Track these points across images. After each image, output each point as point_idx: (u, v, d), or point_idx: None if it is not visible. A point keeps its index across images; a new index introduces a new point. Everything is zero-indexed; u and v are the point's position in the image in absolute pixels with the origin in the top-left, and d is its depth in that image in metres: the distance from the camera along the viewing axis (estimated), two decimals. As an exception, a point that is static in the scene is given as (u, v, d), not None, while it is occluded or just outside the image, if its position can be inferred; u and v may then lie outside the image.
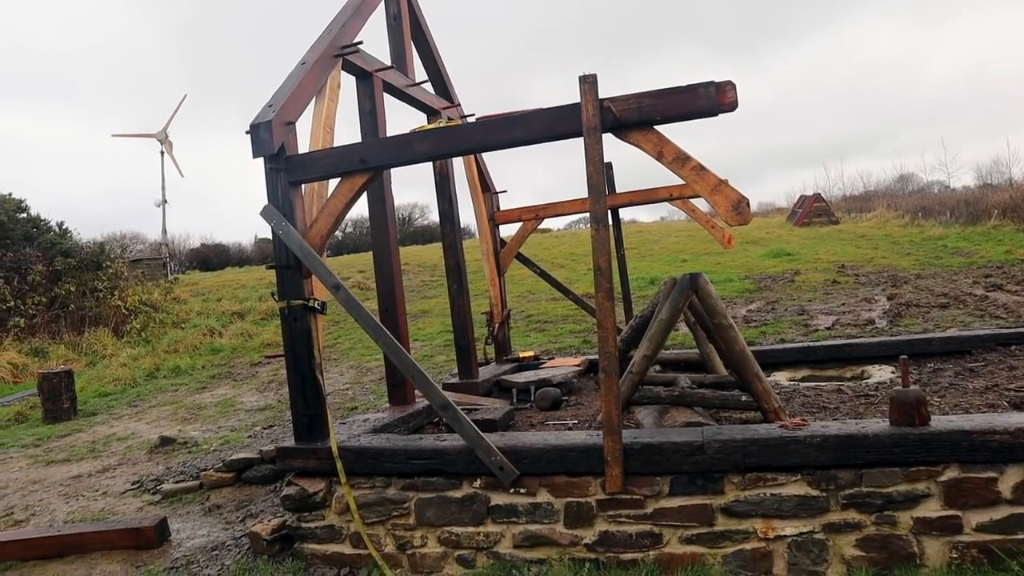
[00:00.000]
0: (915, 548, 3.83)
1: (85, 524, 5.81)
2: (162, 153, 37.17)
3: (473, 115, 7.87)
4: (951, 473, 3.79)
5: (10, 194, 19.74)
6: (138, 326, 17.67)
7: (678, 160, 4.00)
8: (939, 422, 3.93)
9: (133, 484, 6.99)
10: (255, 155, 4.84)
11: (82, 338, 16.71)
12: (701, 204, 9.15)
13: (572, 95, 4.12)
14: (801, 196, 35.05)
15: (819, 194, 33.74)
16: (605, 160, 4.18)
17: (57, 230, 19.83)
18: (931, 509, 3.81)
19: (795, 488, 3.97)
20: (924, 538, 3.82)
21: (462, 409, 4.69)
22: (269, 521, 5.12)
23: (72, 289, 17.89)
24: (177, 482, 6.76)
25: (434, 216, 46.37)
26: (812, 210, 31.02)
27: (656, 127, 4.06)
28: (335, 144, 5.36)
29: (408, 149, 4.60)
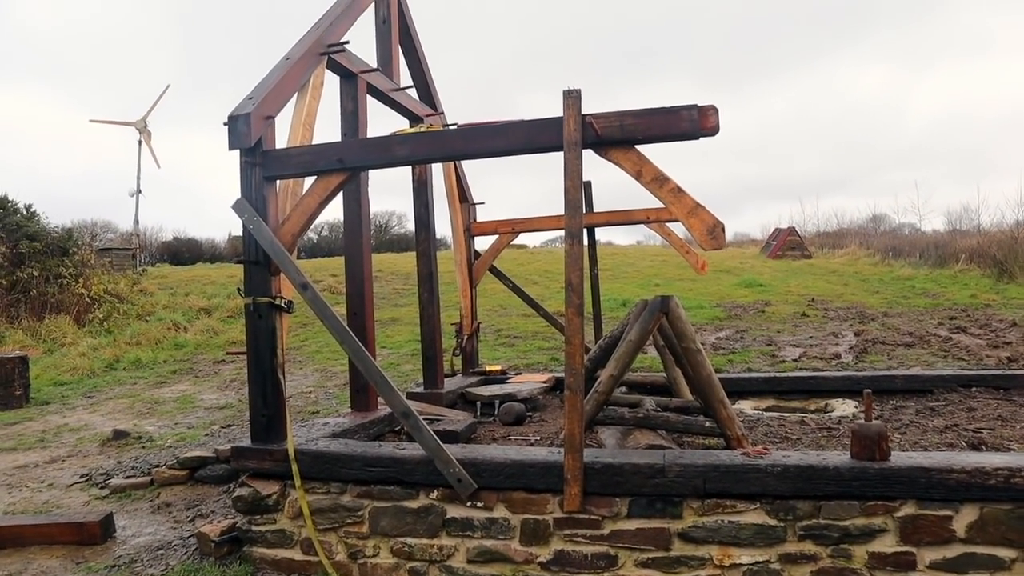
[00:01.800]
0: (869, 583, 3.82)
1: (26, 516, 5.62)
2: (140, 142, 36.60)
3: (455, 124, 7.84)
4: (908, 509, 3.80)
5: (-23, 173, 19.31)
6: (101, 316, 17.29)
7: (656, 181, 4.00)
8: (899, 458, 3.94)
9: (81, 477, 6.79)
10: (231, 147, 4.76)
11: (42, 324, 16.30)
12: (678, 228, 9.19)
13: (558, 112, 4.11)
14: (776, 229, 35.47)
15: (793, 228, 34.16)
16: (585, 179, 4.17)
17: (24, 212, 19.40)
18: (886, 544, 3.82)
19: (753, 516, 3.95)
20: (878, 573, 3.81)
21: (425, 419, 4.62)
22: (219, 522, 5.00)
23: (35, 274, 17.48)
24: (127, 477, 6.59)
25: (411, 225, 46.11)
26: (786, 243, 31.39)
27: (637, 146, 4.06)
28: (314, 142, 5.30)
29: (387, 151, 4.55)
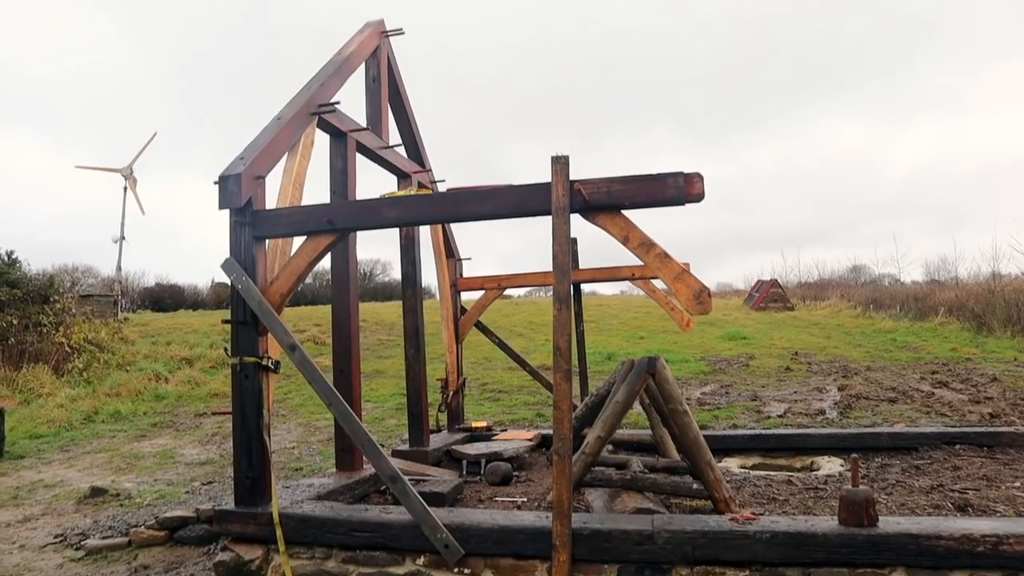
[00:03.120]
0: (860, 654, 3.78)
1: (-2, 579, 5.46)
2: (125, 189, 36.62)
3: (444, 180, 7.95)
4: (897, 577, 3.79)
5: (-41, 220, 19.19)
6: (80, 365, 17.04)
7: (643, 246, 4.06)
8: (887, 524, 3.94)
9: (56, 537, 6.61)
10: (221, 206, 4.79)
11: (19, 374, 16.02)
12: (662, 284, 9.27)
13: (544, 162, 4.17)
14: (759, 280, 35.87)
15: (776, 280, 34.58)
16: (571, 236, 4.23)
17: (6, 259, 19.24)
18: (877, 613, 3.79)
19: (743, 584, 3.92)
20: (869, 643, 3.78)
21: (410, 479, 4.57)
22: (198, 587, 4.87)
23: (14, 322, 17.24)
24: (104, 538, 6.41)
25: (395, 274, 46.17)
26: (769, 295, 31.71)
27: (624, 212, 4.13)
28: (303, 200, 5.34)
29: (377, 214, 4.59)
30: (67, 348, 17.55)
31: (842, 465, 6.96)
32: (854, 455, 4.25)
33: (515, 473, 6.85)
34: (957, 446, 7.28)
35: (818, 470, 7.02)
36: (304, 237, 4.82)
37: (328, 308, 6.45)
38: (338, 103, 5.93)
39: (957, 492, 5.71)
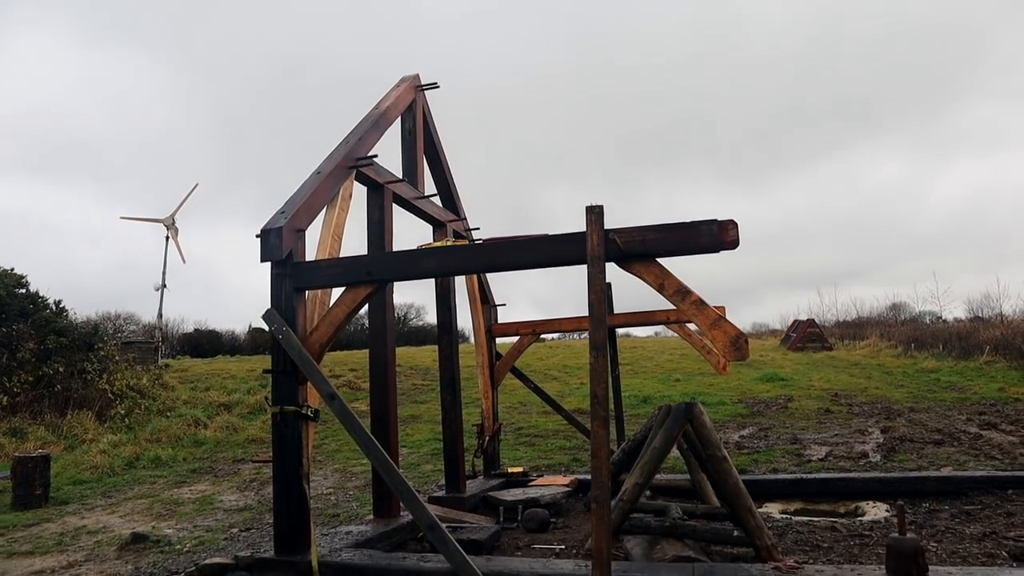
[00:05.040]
0: None
1: (44, 627, 5.52)
2: (167, 239, 37.61)
3: (478, 228, 8.07)
4: (950, 631, 3.67)
5: (12, 269, 19.82)
6: (123, 411, 17.36)
7: (679, 294, 4.08)
8: (937, 574, 3.84)
9: (99, 584, 6.69)
10: (263, 259, 4.92)
11: (64, 420, 16.36)
12: (696, 327, 9.24)
13: (578, 207, 4.25)
14: (795, 320, 35.39)
15: (813, 320, 34.10)
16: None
17: (54, 308, 19.79)
18: (929, 669, 3.67)
19: (789, 637, 3.83)
20: None
21: (447, 526, 4.57)
22: (238, 637, 4.89)
23: (60, 369, 17.67)
24: (145, 585, 6.48)
25: (430, 317, 46.44)
26: (806, 335, 31.25)
27: (658, 259, 4.17)
28: (341, 251, 5.47)
29: (415, 265, 4.69)
30: (110, 395, 17.91)
31: (888, 511, 6.78)
32: (900, 502, 4.16)
33: (552, 519, 6.79)
34: (1009, 491, 7.05)
35: (863, 516, 6.85)
36: (343, 288, 4.93)
37: (364, 352, 6.54)
38: (375, 156, 6.09)
39: (1012, 539, 5.51)
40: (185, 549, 7.77)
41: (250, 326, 44.31)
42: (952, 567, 4.18)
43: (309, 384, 4.88)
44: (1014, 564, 4.98)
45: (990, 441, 11.28)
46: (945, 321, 36.66)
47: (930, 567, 3.89)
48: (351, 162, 5.79)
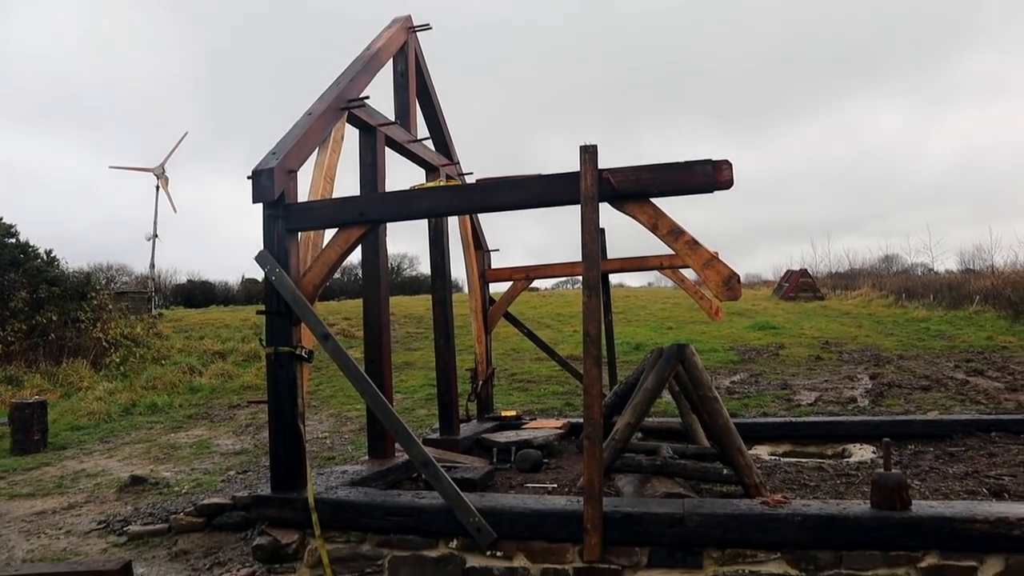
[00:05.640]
0: (893, 636, 3.79)
1: (45, 564, 5.64)
2: (157, 188, 37.21)
3: (471, 173, 8.01)
4: (931, 559, 3.78)
5: (0, 218, 19.67)
6: (117, 360, 17.42)
7: (672, 233, 4.08)
8: (920, 507, 3.94)
9: (99, 524, 6.81)
10: (255, 200, 4.89)
11: (59, 369, 16.44)
12: (690, 274, 9.26)
13: (574, 158, 4.21)
14: (788, 270, 35.42)
15: (805, 269, 34.12)
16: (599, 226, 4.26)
17: (45, 258, 19.69)
18: (910, 596, 3.79)
19: (774, 566, 3.94)
20: (902, 626, 3.78)
21: (442, 466, 4.65)
22: (238, 570, 5.01)
23: (54, 318, 17.68)
24: (145, 524, 6.60)
25: (423, 267, 46.40)
26: (798, 285, 31.33)
27: (652, 200, 4.15)
28: (334, 194, 5.43)
29: (407, 205, 4.67)
30: (104, 343, 17.95)
31: (874, 452, 6.91)
32: (886, 440, 4.25)
33: (545, 460, 6.91)
34: (992, 433, 7.19)
35: (850, 457, 6.99)
36: (336, 229, 4.91)
37: (357, 303, 6.55)
38: (367, 98, 6.00)
39: (992, 478, 5.65)
40: (183, 491, 7.91)
41: (243, 277, 44.18)
42: (934, 501, 4.29)
43: (303, 326, 4.90)
44: (993, 500, 5.11)
45: (976, 387, 11.46)
46: (937, 272, 36.78)
47: (913, 501, 3.98)
48: (342, 103, 5.71)
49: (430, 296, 7.74)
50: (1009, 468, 5.95)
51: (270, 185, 4.80)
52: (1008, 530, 3.69)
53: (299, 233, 5.07)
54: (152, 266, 36.53)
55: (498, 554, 4.30)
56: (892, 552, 3.82)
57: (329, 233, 5.03)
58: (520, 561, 4.27)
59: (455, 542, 4.39)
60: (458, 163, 7.84)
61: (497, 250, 8.71)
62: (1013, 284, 23.16)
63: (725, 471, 5.21)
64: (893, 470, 4.07)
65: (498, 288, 8.91)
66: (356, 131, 6.29)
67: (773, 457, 7.10)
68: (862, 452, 7.03)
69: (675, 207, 4.17)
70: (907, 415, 8.93)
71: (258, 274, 4.90)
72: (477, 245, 8.45)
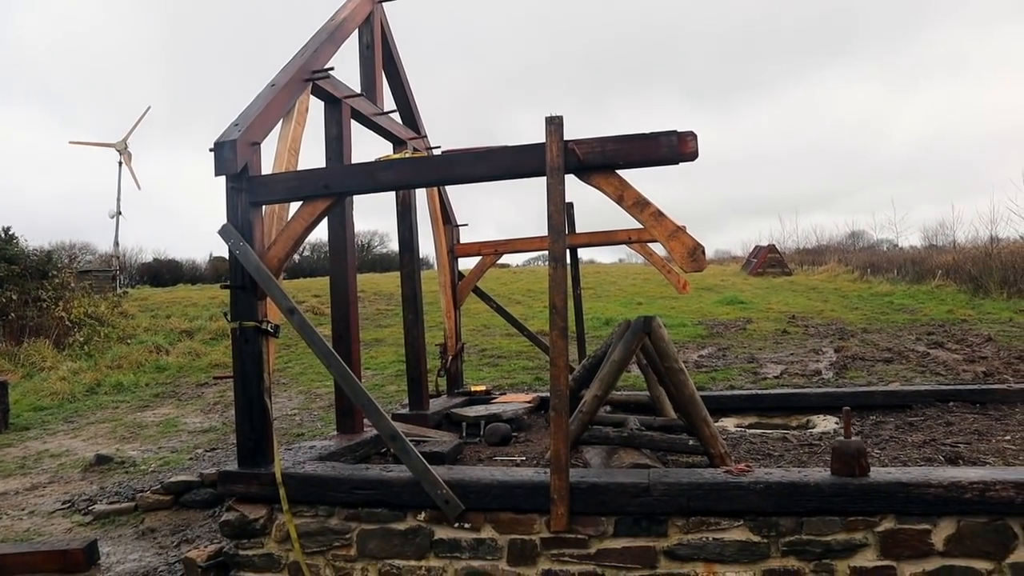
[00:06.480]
0: (851, 598, 3.89)
1: (7, 544, 5.57)
2: (120, 163, 36.40)
3: (439, 147, 7.93)
4: (888, 524, 3.88)
5: (-45, 196, 19.13)
6: (81, 339, 17.13)
7: (637, 205, 4.09)
8: (878, 473, 4.03)
9: (63, 504, 6.73)
10: (217, 173, 4.80)
11: (20, 349, 16.13)
12: (659, 248, 9.31)
13: (542, 135, 4.18)
14: (756, 246, 35.84)
15: (773, 245, 34.55)
16: (567, 200, 4.26)
17: (3, 236, 19.24)
18: (868, 559, 3.89)
19: (737, 533, 4.02)
20: (860, 588, 3.88)
21: (411, 440, 4.65)
22: (205, 547, 4.99)
23: (14, 297, 17.30)
24: (111, 503, 6.54)
25: (393, 245, 46.06)
26: (766, 260, 31.72)
27: (618, 171, 4.15)
28: (299, 167, 5.36)
29: (372, 177, 4.61)
30: (67, 322, 17.62)
31: (837, 423, 7.05)
32: (846, 408, 4.33)
33: (514, 434, 6.95)
34: (950, 403, 7.37)
35: (813, 428, 7.12)
36: (301, 202, 4.84)
37: (325, 280, 6.50)
38: (332, 69, 5.90)
39: (948, 446, 5.80)
40: (150, 469, 7.84)
41: (211, 255, 43.64)
42: (892, 468, 4.39)
43: (269, 301, 4.84)
44: (948, 466, 5.25)
45: (936, 359, 11.74)
46: (901, 248, 37.47)
47: (871, 468, 4.08)
48: (306, 75, 5.61)
49: (399, 274, 7.70)
50: (965, 436, 6.11)
51: (232, 157, 4.72)
52: (960, 493, 3.80)
53: (263, 207, 5.00)
54: (116, 244, 35.87)
55: (466, 526, 4.33)
56: (851, 517, 3.91)
57: (295, 207, 4.96)
58: (488, 532, 4.30)
59: (423, 514, 4.41)
60: (426, 136, 7.76)
61: (466, 224, 8.67)
62: (973, 259, 23.70)
63: (691, 442, 5.28)
64: (853, 438, 4.16)
65: (468, 264, 8.89)
66: (322, 104, 6.20)
67: (739, 429, 7.21)
68: (825, 423, 7.16)
69: (645, 184, 4.17)
70: (869, 387, 9.13)
71: (226, 251, 4.83)
72: (446, 219, 8.41)
